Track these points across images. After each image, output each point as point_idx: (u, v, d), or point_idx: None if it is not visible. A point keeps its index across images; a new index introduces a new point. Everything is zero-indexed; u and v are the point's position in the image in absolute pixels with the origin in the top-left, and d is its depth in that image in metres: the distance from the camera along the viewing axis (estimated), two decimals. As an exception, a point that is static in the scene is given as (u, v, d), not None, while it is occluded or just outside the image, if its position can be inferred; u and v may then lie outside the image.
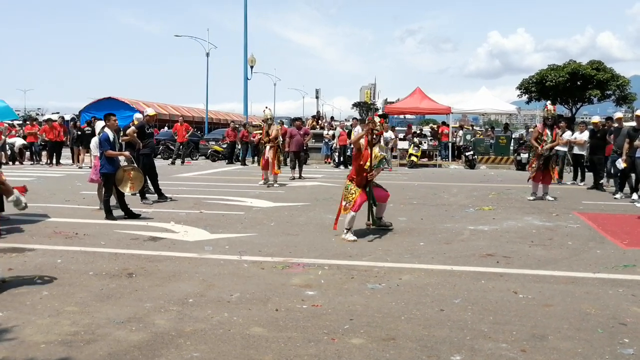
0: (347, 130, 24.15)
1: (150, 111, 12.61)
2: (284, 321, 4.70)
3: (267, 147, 15.14)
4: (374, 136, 8.53)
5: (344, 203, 8.43)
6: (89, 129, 22.07)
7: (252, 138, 23.79)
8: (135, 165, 10.19)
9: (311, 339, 4.32)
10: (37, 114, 58.67)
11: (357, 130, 18.75)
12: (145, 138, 11.86)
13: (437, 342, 4.27)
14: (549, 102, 14.60)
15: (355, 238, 8.11)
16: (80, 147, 22.08)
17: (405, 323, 4.68)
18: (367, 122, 8.72)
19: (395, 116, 37.21)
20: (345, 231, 8.21)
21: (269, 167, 15.19)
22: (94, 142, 10.68)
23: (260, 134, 15.77)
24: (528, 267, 6.61)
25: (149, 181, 12.14)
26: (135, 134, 11.63)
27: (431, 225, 9.35)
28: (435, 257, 7.13)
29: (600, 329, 4.57)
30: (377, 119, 8.61)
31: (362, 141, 8.49)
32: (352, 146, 21.14)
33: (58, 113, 39.39)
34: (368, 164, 8.37)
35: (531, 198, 12.51)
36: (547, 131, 12.36)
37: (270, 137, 15.20)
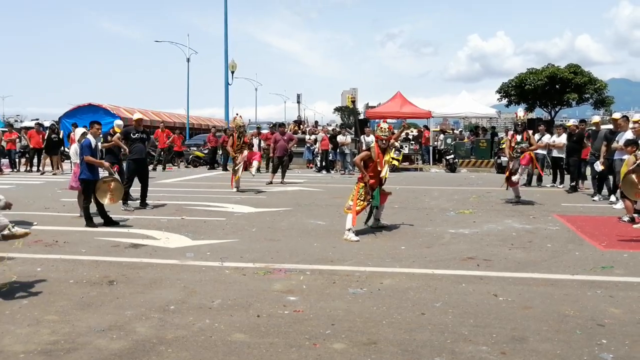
0: (329, 135, 24.23)
1: (135, 115, 12.54)
2: (266, 327, 4.70)
3: (245, 152, 14.89)
4: (383, 142, 9.06)
5: (350, 203, 8.79)
6: (55, 135, 22.03)
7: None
8: (115, 176, 10.10)
9: (293, 344, 4.33)
10: (16, 121, 57.98)
11: (370, 140, 18.95)
12: (132, 143, 11.76)
13: (418, 345, 4.30)
14: (520, 109, 14.80)
15: (357, 238, 8.46)
16: (47, 154, 22.14)
17: (387, 327, 4.71)
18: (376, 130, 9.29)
19: (376, 120, 37.31)
20: (346, 232, 8.56)
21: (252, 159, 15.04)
22: (74, 149, 10.60)
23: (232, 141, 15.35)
24: (508, 270, 6.68)
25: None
26: (121, 140, 11.62)
27: (412, 229, 9.40)
28: (417, 261, 7.17)
29: (579, 330, 4.63)
30: (384, 125, 9.02)
31: (374, 151, 8.94)
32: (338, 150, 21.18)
33: (37, 120, 38.97)
34: (384, 173, 9.05)
35: (514, 200, 12.63)
36: (517, 137, 12.51)
37: (246, 142, 15.10)
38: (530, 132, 12.66)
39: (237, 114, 16.04)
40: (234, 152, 14.97)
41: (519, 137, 12.46)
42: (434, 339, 4.44)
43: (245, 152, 14.87)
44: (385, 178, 9.17)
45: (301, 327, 4.71)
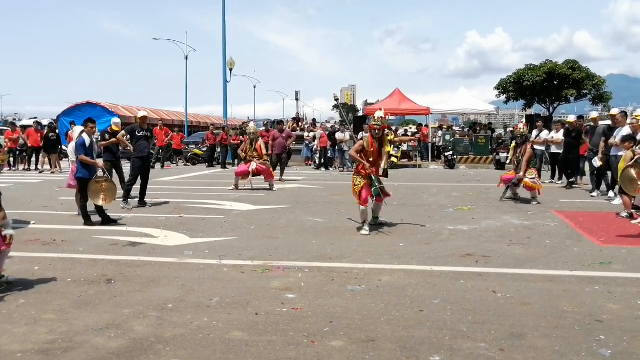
0: (327, 132, 24.24)
1: (140, 113, 12.55)
2: (264, 325, 4.69)
3: (253, 163, 14.82)
4: (376, 131, 8.89)
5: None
6: (54, 134, 22.04)
7: (231, 141, 23.80)
8: (109, 177, 10.06)
9: (291, 342, 4.32)
10: (14, 119, 57.90)
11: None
12: (137, 141, 11.77)
13: (416, 342, 4.30)
14: (521, 123, 14.77)
15: (368, 232, 8.60)
16: (45, 153, 22.18)
17: (385, 324, 4.70)
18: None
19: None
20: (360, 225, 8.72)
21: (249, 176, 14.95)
22: (71, 147, 10.58)
23: (242, 142, 15.50)
24: (506, 266, 6.68)
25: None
26: (125, 138, 11.69)
27: (411, 226, 9.39)
28: (415, 257, 7.17)
29: (577, 326, 4.63)
30: (378, 114, 8.90)
31: (367, 140, 8.87)
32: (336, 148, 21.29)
33: (36, 118, 38.92)
34: (383, 165, 8.98)
35: (509, 196, 12.63)
36: (518, 150, 12.46)
37: (262, 154, 15.05)
38: (529, 146, 12.45)
39: (251, 121, 16.17)
40: (247, 156, 15.03)
41: (518, 151, 12.45)
42: (433, 335, 4.44)
43: (255, 165, 14.79)
44: (386, 170, 9.04)
45: (299, 324, 4.70)
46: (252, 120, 16.26)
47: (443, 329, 4.59)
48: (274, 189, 14.88)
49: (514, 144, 13.35)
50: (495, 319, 4.83)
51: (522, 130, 12.93)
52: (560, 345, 4.22)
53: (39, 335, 4.46)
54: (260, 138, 15.73)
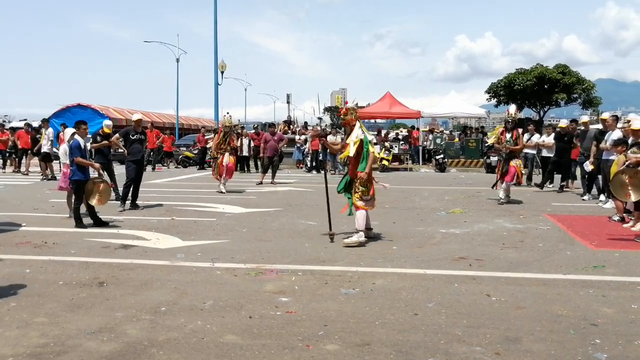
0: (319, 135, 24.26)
1: (135, 116, 12.47)
2: (258, 328, 4.66)
3: (226, 155, 14.72)
4: (345, 128, 8.67)
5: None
6: (40, 136, 21.90)
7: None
8: (104, 178, 10.05)
9: (285, 346, 4.29)
10: (4, 121, 57.49)
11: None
12: (130, 144, 11.70)
13: (411, 346, 4.28)
14: (512, 105, 14.64)
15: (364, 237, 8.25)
16: (32, 155, 21.99)
17: (380, 328, 4.68)
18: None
19: (366, 120, 37.36)
20: None
21: (225, 173, 14.75)
22: (63, 149, 10.51)
23: (216, 139, 15.30)
24: (500, 270, 6.68)
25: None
26: (119, 140, 11.67)
27: (403, 229, 9.39)
28: (408, 261, 7.15)
29: (572, 330, 4.63)
30: (349, 106, 8.58)
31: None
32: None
33: (25, 120, 38.67)
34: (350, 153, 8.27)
35: (504, 201, 12.62)
36: (507, 135, 12.48)
37: (233, 146, 15.03)
38: (520, 130, 12.63)
39: (227, 113, 15.94)
40: (216, 151, 14.88)
41: (508, 135, 12.45)
42: (428, 339, 4.42)
43: (228, 158, 14.69)
44: (348, 155, 8.37)
45: (294, 328, 4.68)
46: (228, 113, 15.81)
47: (438, 332, 4.58)
48: (224, 192, 14.65)
49: (500, 127, 13.28)
50: (490, 322, 4.82)
51: (513, 115, 12.76)
52: (555, 349, 4.21)
53: (30, 338, 4.41)
54: (234, 133, 15.63)
